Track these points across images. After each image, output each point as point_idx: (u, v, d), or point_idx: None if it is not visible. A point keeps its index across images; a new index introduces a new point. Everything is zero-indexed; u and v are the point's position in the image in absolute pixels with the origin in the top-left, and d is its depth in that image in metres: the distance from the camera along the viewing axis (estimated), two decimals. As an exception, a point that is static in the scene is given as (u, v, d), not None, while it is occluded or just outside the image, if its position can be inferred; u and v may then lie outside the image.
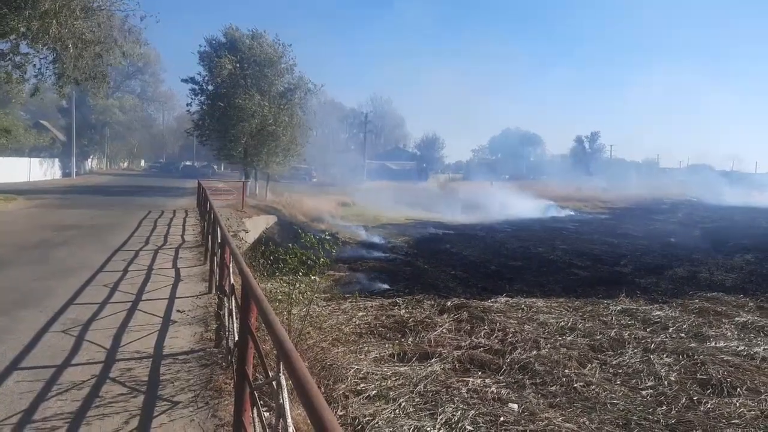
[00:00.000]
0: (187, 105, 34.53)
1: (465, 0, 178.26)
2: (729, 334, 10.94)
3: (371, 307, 11.69)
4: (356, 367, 7.67)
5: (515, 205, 44.29)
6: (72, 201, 23.47)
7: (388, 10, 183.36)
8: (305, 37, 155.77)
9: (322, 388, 6.41)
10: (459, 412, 6.65)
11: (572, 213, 44.11)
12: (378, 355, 8.62)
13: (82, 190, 30.88)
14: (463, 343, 9.53)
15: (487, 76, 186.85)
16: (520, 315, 11.73)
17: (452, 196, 46.97)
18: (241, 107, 28.80)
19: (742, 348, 9.95)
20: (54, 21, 14.52)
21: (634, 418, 6.96)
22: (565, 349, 9.42)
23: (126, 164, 75.04)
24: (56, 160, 46.42)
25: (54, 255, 10.33)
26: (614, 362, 9.03)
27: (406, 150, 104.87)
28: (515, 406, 7.08)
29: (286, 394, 2.25)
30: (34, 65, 16.15)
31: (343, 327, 9.37)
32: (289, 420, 2.18)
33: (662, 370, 8.63)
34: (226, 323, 4.92)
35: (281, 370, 2.29)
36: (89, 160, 58.67)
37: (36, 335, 5.58)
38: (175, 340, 5.68)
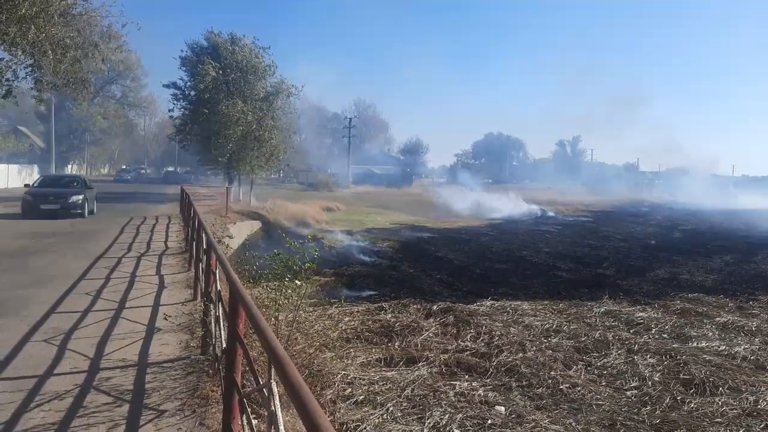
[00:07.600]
0: (170, 110, 34.40)
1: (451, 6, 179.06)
2: (710, 334, 11.11)
3: (357, 312, 11.67)
4: (343, 372, 7.65)
5: (499, 208, 44.56)
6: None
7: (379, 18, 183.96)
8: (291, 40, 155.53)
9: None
10: (447, 416, 6.66)
11: (555, 216, 44.45)
12: (365, 360, 8.60)
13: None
14: (449, 347, 9.55)
15: (471, 80, 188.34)
16: (505, 318, 11.79)
17: (436, 200, 47.11)
18: (225, 114, 28.67)
19: (724, 348, 10.12)
20: (32, 26, 14.27)
21: (620, 418, 7.04)
22: (550, 352, 9.49)
23: (106, 170, 74.16)
24: (35, 166, 45.69)
25: (34, 263, 10.14)
26: (599, 363, 9.12)
27: (390, 154, 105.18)
28: (502, 408, 7.12)
29: (278, 401, 2.24)
30: (11, 69, 15.85)
31: (330, 332, 9.31)
32: (281, 428, 2.16)
33: (646, 371, 8.74)
34: (213, 330, 4.86)
35: (272, 376, 2.27)
36: (69, 166, 57.85)
37: (17, 345, 5.47)
38: (160, 347, 5.61)
